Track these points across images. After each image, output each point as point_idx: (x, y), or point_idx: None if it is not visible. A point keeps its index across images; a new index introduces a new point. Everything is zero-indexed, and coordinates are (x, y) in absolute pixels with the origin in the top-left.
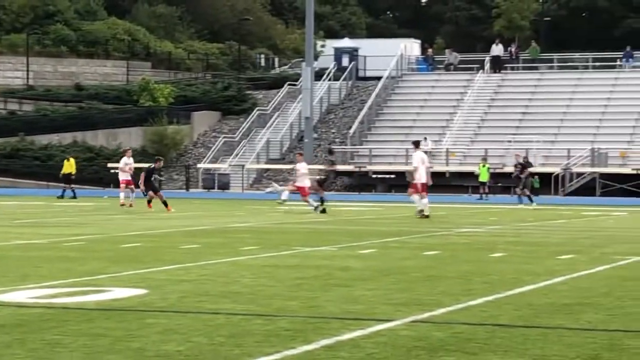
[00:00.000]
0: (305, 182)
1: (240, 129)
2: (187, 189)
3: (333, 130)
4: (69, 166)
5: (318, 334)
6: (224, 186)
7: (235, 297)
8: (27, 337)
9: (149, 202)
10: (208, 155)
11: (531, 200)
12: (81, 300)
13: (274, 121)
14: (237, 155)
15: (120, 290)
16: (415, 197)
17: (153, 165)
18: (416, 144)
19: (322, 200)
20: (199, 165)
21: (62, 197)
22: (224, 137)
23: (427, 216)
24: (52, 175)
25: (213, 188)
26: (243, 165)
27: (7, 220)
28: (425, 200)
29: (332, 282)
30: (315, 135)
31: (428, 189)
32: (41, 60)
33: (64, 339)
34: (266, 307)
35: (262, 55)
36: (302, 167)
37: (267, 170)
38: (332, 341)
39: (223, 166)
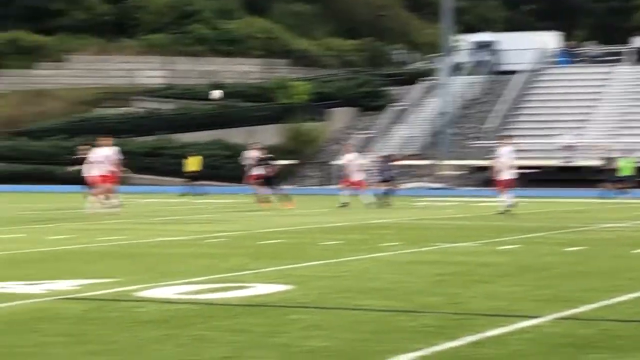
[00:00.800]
0: (359, 176)
1: (377, 125)
2: (324, 185)
3: (470, 125)
4: (192, 164)
5: (462, 330)
6: None
7: (377, 293)
8: (174, 332)
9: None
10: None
11: None
12: (225, 296)
13: (410, 117)
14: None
15: (262, 287)
16: (504, 194)
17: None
18: (504, 139)
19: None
20: (335, 162)
21: (186, 194)
22: (361, 134)
23: (504, 212)
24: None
25: None
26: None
27: (149, 218)
28: (506, 197)
29: (474, 278)
30: (451, 131)
31: (510, 184)
32: (181, 60)
33: (210, 335)
34: (409, 303)
35: (399, 51)
36: (352, 158)
37: (404, 166)
38: (477, 337)
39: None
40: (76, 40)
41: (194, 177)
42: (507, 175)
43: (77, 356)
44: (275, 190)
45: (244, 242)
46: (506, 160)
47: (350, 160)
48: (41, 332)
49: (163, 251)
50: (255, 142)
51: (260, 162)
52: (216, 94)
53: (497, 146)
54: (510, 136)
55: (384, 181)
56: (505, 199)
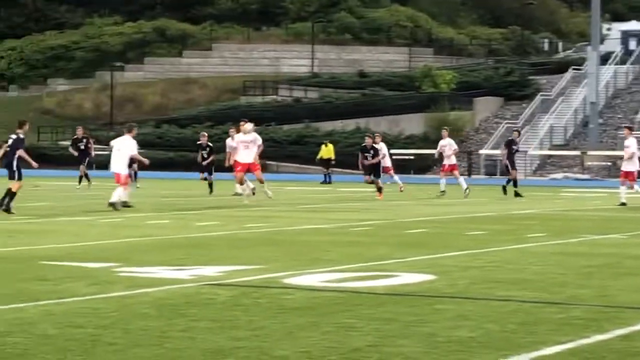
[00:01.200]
0: (453, 160)
1: (523, 114)
2: (470, 175)
3: (619, 116)
4: (327, 151)
5: (612, 323)
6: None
7: (524, 284)
8: (320, 320)
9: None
10: (490, 141)
11: None
12: (371, 284)
13: (557, 106)
14: (519, 141)
15: (408, 276)
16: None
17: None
18: (630, 129)
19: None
20: (480, 152)
21: (325, 182)
22: (507, 123)
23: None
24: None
25: (495, 174)
26: (526, 152)
27: (294, 206)
28: (627, 189)
29: (623, 270)
30: (600, 121)
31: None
32: (325, 48)
33: (356, 323)
34: (557, 295)
35: (546, 40)
36: (448, 144)
37: (551, 156)
38: (627, 331)
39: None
40: (222, 29)
41: (329, 164)
42: (631, 166)
43: (225, 341)
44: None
45: (388, 231)
46: (633, 150)
47: (444, 145)
48: (190, 316)
49: (309, 239)
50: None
51: (367, 151)
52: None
53: (625, 137)
54: (633, 127)
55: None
56: (627, 190)
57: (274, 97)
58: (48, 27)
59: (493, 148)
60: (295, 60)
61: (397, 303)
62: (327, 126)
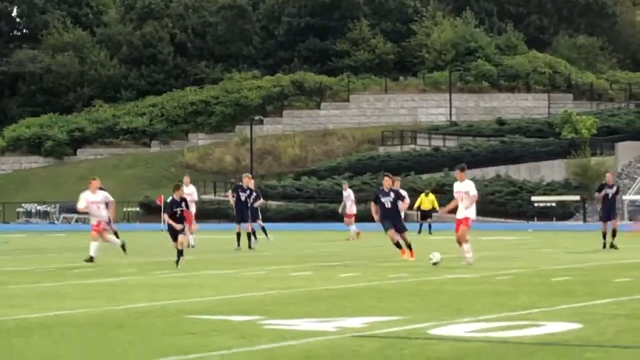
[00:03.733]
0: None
1: None
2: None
3: None
4: (427, 202)
5: None
6: None
7: None
8: None
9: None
10: (634, 186)
11: None
12: (517, 334)
13: None
14: None
15: (554, 325)
16: None
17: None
18: None
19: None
20: (624, 197)
21: (420, 232)
22: None
23: None
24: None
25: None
26: None
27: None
28: None
29: None
30: None
31: None
32: (463, 97)
33: None
34: None
35: None
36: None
37: None
38: None
39: None
40: (360, 80)
41: (427, 215)
42: None
43: None
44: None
45: (533, 279)
46: None
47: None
48: None
49: (453, 288)
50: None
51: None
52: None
53: None
54: None
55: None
56: None
57: (413, 146)
58: (188, 82)
59: (637, 193)
60: (433, 109)
61: (546, 353)
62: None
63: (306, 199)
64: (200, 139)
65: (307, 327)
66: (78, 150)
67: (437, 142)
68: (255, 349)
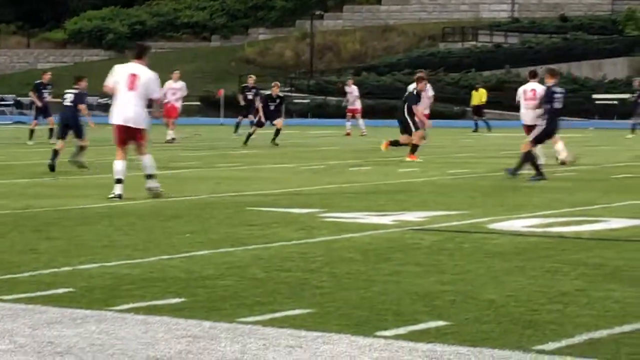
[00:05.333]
0: None
1: None
2: None
3: None
4: (478, 97)
5: None
6: None
7: None
8: (526, 264)
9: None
10: None
11: None
12: (577, 229)
13: None
14: None
15: (615, 221)
16: None
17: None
18: None
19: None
20: None
21: (476, 130)
22: None
23: None
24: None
25: None
26: None
27: (496, 152)
28: None
29: None
30: None
31: None
32: None
33: (563, 267)
34: None
35: None
36: None
37: None
38: None
39: None
40: None
41: (480, 110)
42: None
43: (431, 285)
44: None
45: (594, 176)
46: None
47: None
48: (395, 261)
49: (512, 184)
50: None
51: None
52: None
53: None
54: None
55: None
56: None
57: (474, 43)
58: None
59: None
60: (495, 5)
61: (605, 248)
62: (527, 72)
63: (365, 94)
64: (260, 34)
65: (367, 221)
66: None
67: (498, 38)
68: (316, 241)
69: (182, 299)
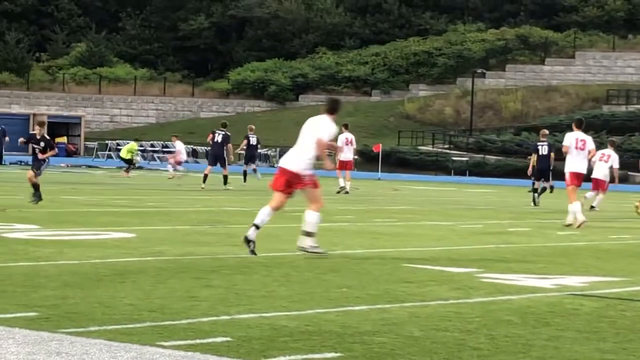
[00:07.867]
0: None
1: None
2: None
3: None
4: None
5: None
6: None
7: None
8: None
9: None
10: None
11: None
12: None
13: None
14: None
15: None
16: None
17: None
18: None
19: None
20: None
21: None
22: None
23: None
24: None
25: None
26: None
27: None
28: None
29: None
30: None
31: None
32: None
33: None
34: None
35: None
36: None
37: None
38: None
39: None
40: (587, 36)
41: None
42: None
43: (591, 352)
44: None
45: None
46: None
47: None
48: (555, 326)
49: None
50: None
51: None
52: None
53: None
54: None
55: None
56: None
57: (639, 106)
58: (412, 33)
59: None
60: None
61: None
62: None
63: (526, 154)
64: (421, 90)
65: (525, 283)
66: (300, 96)
67: None
68: (473, 302)
69: (339, 354)
